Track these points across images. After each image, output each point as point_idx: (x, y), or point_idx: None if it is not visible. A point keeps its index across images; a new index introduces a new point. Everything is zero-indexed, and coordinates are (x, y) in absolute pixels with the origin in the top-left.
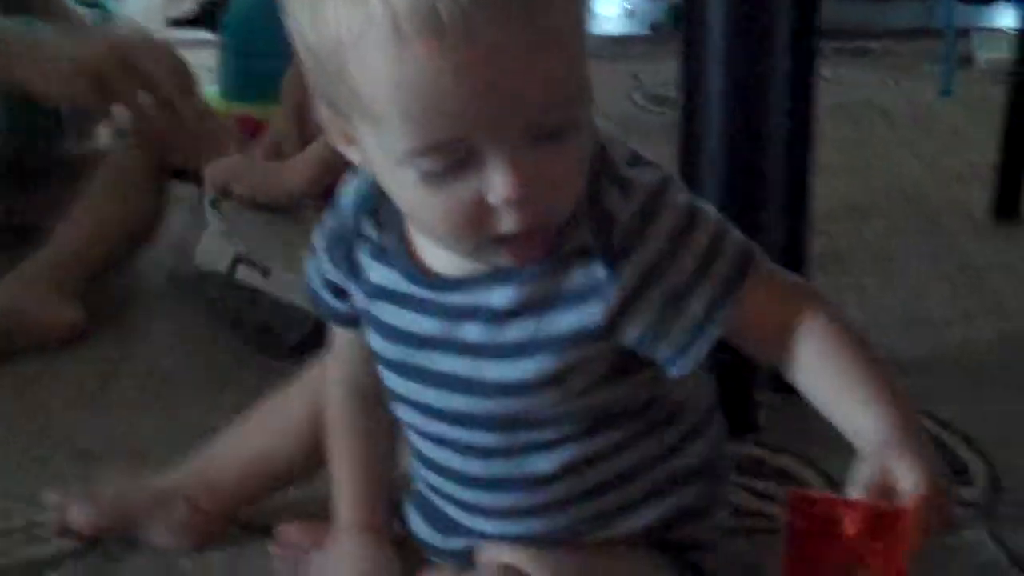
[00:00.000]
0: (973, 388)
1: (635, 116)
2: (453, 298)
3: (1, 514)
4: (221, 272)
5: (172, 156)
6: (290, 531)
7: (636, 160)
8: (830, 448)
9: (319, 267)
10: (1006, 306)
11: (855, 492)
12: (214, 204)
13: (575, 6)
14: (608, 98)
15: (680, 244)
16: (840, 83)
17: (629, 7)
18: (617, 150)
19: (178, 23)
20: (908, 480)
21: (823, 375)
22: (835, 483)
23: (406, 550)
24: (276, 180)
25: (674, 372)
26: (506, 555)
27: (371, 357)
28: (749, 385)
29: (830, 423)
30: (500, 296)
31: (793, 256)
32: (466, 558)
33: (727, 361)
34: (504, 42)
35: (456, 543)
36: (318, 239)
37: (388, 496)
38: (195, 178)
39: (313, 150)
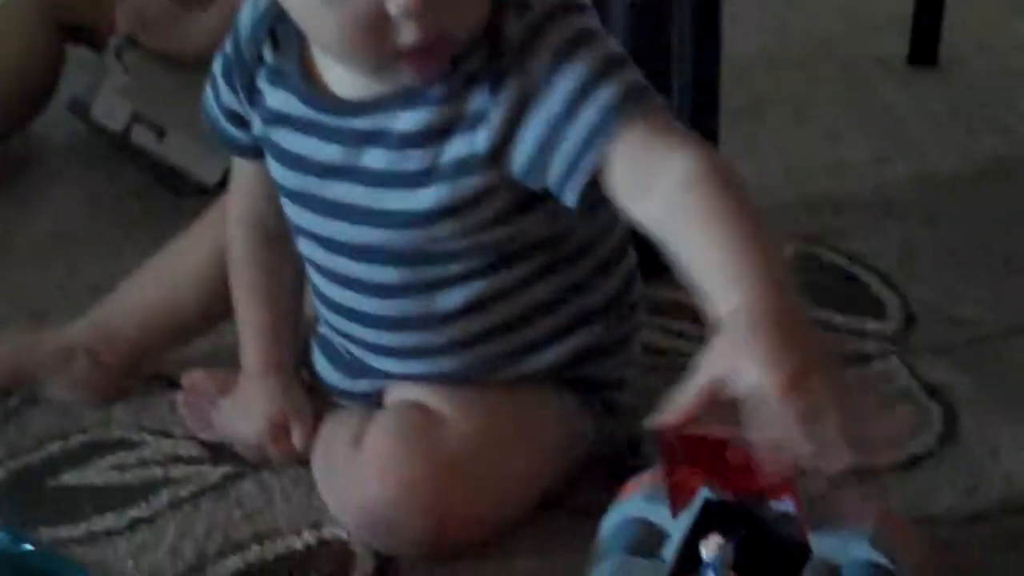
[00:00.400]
0: (888, 225)
1: None
2: (356, 123)
3: None
4: (117, 131)
5: (69, 13)
6: (196, 378)
7: None
8: None
9: (218, 95)
10: (922, 148)
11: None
12: (119, 53)
13: None
14: None
15: (565, 63)
16: None
17: None
18: None
19: None
20: (747, 379)
21: (686, 226)
22: None
23: (313, 395)
24: (187, 31)
25: (566, 202)
26: (413, 393)
27: (274, 191)
28: None
29: None
30: (405, 121)
31: (705, 106)
32: (374, 399)
33: None
34: None
35: (363, 385)
36: (216, 65)
37: (296, 336)
38: (93, 37)
39: (226, 2)
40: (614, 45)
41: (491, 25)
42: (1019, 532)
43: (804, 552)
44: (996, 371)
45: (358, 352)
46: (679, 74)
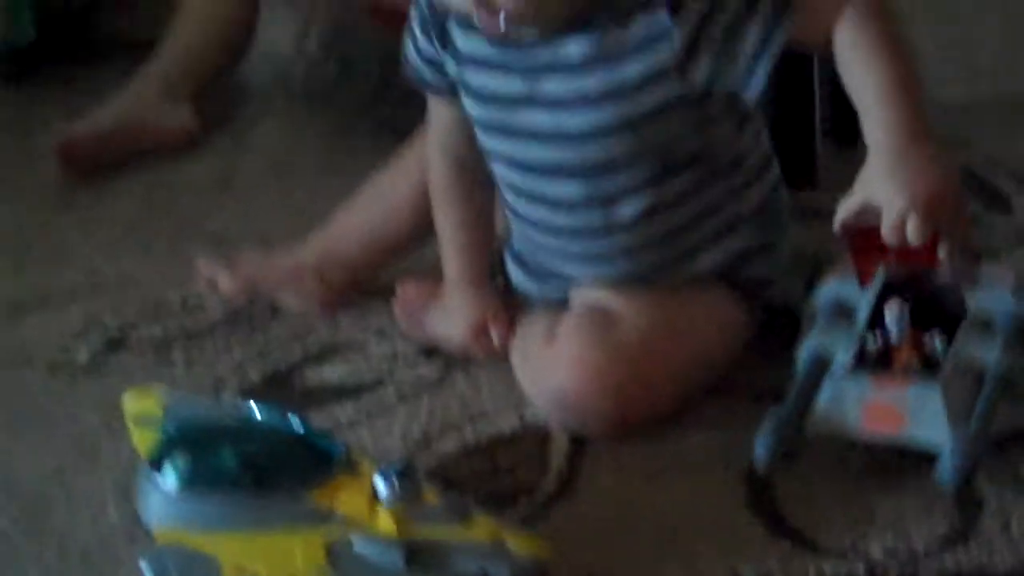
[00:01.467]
0: (1019, 124)
1: None
2: (534, 55)
3: (158, 293)
4: None
5: None
6: (408, 288)
7: None
8: None
9: (414, 42)
10: None
11: (841, 211)
12: None
13: None
14: None
15: None
16: None
17: None
18: None
19: None
20: (889, 206)
21: (852, 67)
22: None
23: (507, 300)
24: None
25: (748, 94)
26: (594, 296)
27: (466, 125)
28: (807, 139)
29: None
30: (575, 48)
31: None
32: (561, 303)
33: (785, 117)
34: None
35: (551, 290)
36: (412, 17)
37: (489, 252)
38: None
39: None
40: None
41: None
42: None
43: (962, 308)
44: None
45: (547, 260)
46: None
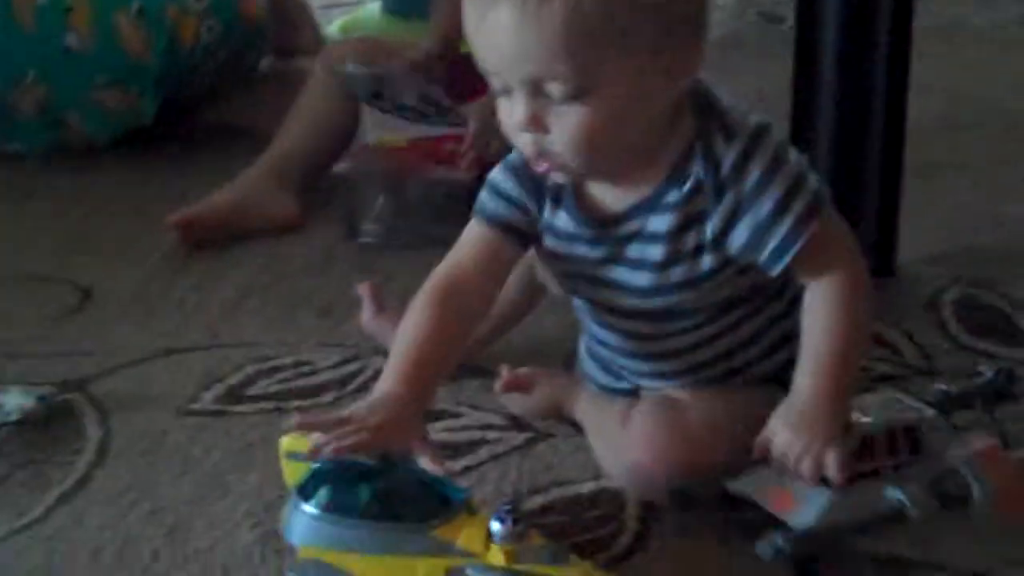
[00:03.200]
0: None
1: (748, 32)
2: (619, 229)
3: (274, 357)
4: None
5: None
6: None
7: (737, 116)
8: (919, 318)
9: (498, 185)
10: None
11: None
12: None
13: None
14: (723, 15)
15: (769, 181)
16: (933, 4)
17: None
18: (723, 108)
19: None
20: (776, 450)
21: (811, 323)
22: (919, 346)
23: (578, 386)
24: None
25: (771, 274)
26: (665, 390)
27: (493, 270)
28: None
29: (920, 300)
30: (656, 223)
31: (891, 163)
32: (630, 393)
33: None
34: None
35: (623, 384)
36: (503, 168)
37: (431, 383)
38: None
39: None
40: (797, 159)
41: (705, 145)
42: None
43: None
44: None
45: (613, 368)
46: (872, 136)
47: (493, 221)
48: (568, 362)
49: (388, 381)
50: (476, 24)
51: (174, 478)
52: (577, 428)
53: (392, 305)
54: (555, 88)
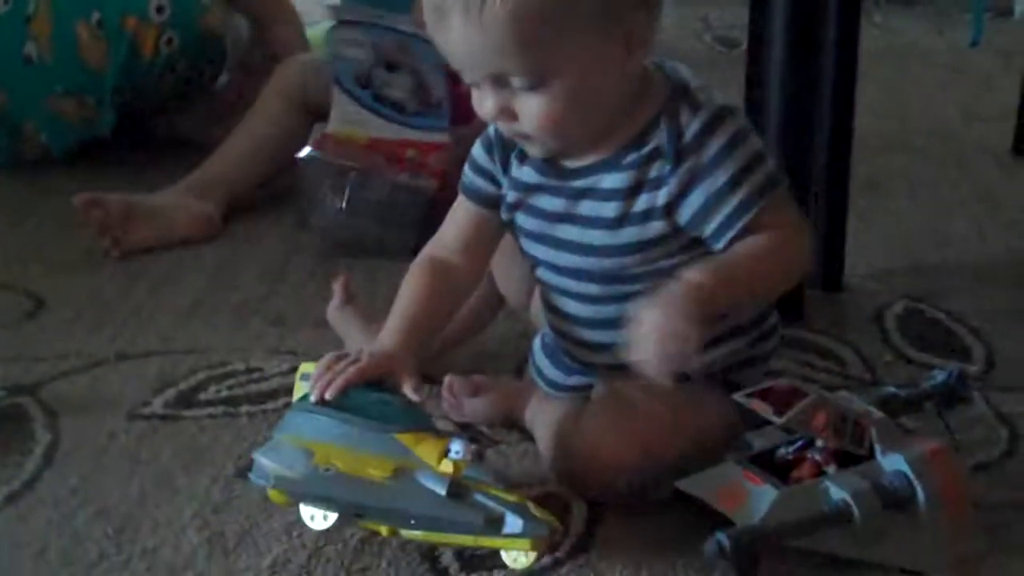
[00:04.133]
0: (983, 291)
1: (703, 55)
2: (577, 182)
3: (226, 363)
4: None
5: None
6: (455, 381)
7: (711, 98)
8: (864, 332)
9: (475, 159)
10: (1019, 229)
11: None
12: None
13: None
14: (679, 38)
15: (727, 155)
16: (889, 30)
17: None
18: (697, 87)
19: None
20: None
21: (737, 247)
22: (864, 358)
23: (530, 388)
24: None
25: (715, 247)
26: (615, 388)
27: (474, 237)
28: (799, 282)
29: (865, 314)
30: (609, 181)
31: (836, 181)
32: (582, 392)
33: None
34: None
35: (575, 380)
36: (480, 141)
37: (421, 345)
38: None
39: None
40: (757, 143)
41: (670, 116)
42: None
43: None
44: None
45: (570, 348)
46: (818, 154)
47: (472, 194)
48: (519, 370)
49: (384, 336)
50: (434, 29)
51: (122, 480)
52: (526, 434)
53: (360, 301)
54: (515, 80)
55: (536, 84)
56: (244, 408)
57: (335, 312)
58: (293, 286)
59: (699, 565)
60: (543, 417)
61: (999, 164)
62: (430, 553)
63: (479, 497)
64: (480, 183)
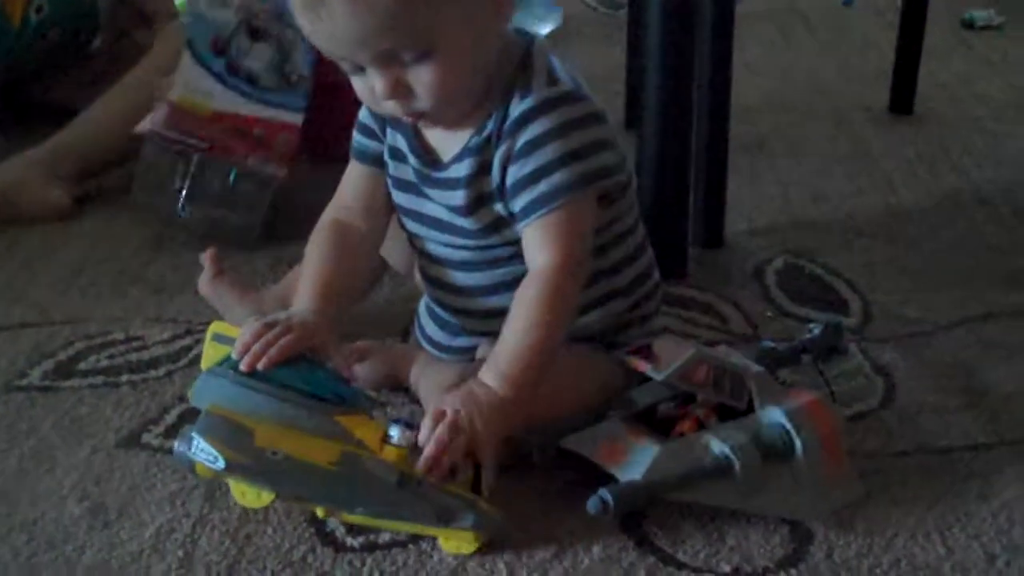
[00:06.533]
0: (857, 244)
1: (589, 17)
2: (434, 174)
3: (105, 333)
4: None
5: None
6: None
7: (554, 82)
8: (745, 287)
9: (361, 120)
10: (894, 185)
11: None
12: None
13: None
14: (567, 1)
15: (538, 147)
16: None
17: None
18: (541, 70)
19: None
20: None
21: (518, 307)
22: (745, 314)
23: (417, 352)
24: None
25: (519, 226)
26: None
27: (370, 197)
28: (680, 240)
29: (746, 270)
30: (459, 169)
31: (716, 139)
32: (467, 354)
33: (663, 221)
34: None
35: (460, 342)
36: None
37: (338, 302)
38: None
39: None
40: (582, 138)
41: (504, 98)
42: (927, 466)
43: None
44: (929, 357)
45: (450, 316)
46: (697, 114)
47: (362, 156)
48: (404, 333)
49: (300, 300)
50: (312, 22)
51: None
52: (412, 397)
53: (231, 271)
54: (405, 54)
55: (426, 53)
56: (125, 377)
57: (207, 285)
58: (173, 254)
59: (583, 523)
60: (429, 380)
61: (876, 122)
62: (316, 519)
63: (427, 488)
64: (368, 143)
